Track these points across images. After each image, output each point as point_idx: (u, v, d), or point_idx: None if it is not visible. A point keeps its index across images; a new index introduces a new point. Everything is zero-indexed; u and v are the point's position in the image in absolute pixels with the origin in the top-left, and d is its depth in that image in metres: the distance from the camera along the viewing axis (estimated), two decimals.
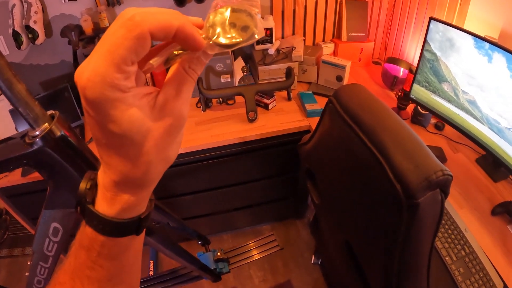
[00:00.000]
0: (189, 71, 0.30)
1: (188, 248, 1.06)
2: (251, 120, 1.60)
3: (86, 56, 1.71)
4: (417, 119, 1.55)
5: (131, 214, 0.33)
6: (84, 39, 1.71)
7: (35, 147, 0.59)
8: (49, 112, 0.63)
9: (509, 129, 1.17)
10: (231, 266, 1.24)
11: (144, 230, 0.37)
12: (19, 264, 2.14)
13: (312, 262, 1.39)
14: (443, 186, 0.50)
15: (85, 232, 0.34)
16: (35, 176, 1.48)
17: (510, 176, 1.37)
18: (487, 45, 1.16)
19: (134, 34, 0.25)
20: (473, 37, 1.20)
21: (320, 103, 1.69)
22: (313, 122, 1.63)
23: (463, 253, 1.08)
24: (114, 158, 0.30)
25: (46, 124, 0.59)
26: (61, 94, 1.74)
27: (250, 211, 2.02)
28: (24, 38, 1.63)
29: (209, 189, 1.74)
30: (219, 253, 1.21)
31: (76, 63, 1.78)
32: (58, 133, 0.60)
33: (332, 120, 0.66)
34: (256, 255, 1.33)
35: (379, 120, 0.56)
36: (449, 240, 1.11)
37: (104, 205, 0.33)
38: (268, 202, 2.00)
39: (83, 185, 0.35)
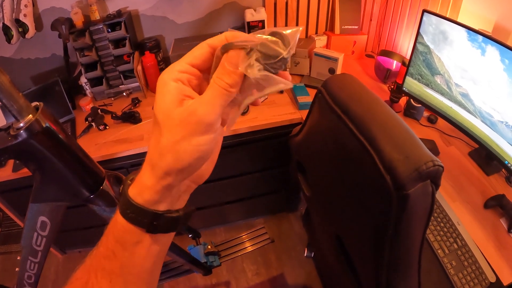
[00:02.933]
0: (216, 80, 0.33)
1: (179, 241, 1.06)
2: (242, 113, 1.59)
3: (76, 49, 1.70)
4: (409, 112, 1.55)
5: (149, 205, 0.35)
6: (74, 32, 1.68)
7: (20, 139, 0.57)
8: (34, 103, 0.61)
9: (502, 122, 1.17)
10: (222, 259, 1.24)
11: (163, 238, 0.38)
12: (12, 260, 2.13)
13: (305, 255, 1.39)
14: (434, 177, 0.49)
15: (113, 217, 0.37)
16: (27, 171, 1.45)
17: (503, 170, 1.38)
18: (480, 38, 1.16)
19: None
20: (467, 29, 1.20)
21: (312, 96, 1.66)
22: (305, 114, 1.62)
23: (455, 246, 1.08)
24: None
25: (30, 115, 0.58)
26: (51, 88, 1.72)
27: (242, 204, 2.01)
28: (14, 32, 1.60)
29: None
30: (209, 246, 1.20)
31: (66, 57, 1.76)
32: (43, 125, 0.59)
33: (321, 110, 0.65)
34: (247, 247, 1.32)
35: (369, 110, 0.55)
36: (441, 233, 1.11)
37: (133, 190, 0.36)
38: (260, 196, 1.99)
39: (128, 176, 0.39)
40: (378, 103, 0.56)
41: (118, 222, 0.36)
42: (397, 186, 0.47)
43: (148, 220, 0.35)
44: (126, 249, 0.36)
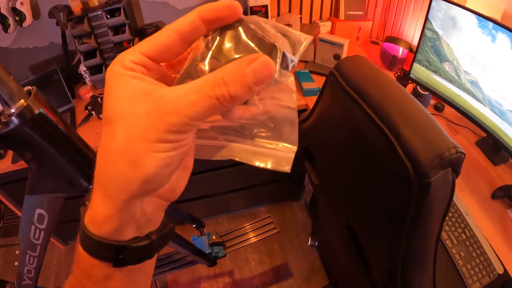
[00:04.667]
0: (216, 79, 0.24)
1: (183, 231, 1.03)
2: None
3: (75, 37, 1.66)
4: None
5: (108, 236, 0.27)
6: (72, 19, 1.64)
7: (12, 126, 0.53)
8: (26, 88, 0.57)
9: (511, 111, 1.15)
10: (227, 250, 1.21)
11: (139, 266, 0.30)
12: (14, 253, 2.12)
13: (309, 244, 1.37)
14: (455, 165, 0.47)
15: (77, 245, 0.30)
16: None
17: (510, 160, 1.36)
18: (491, 24, 1.12)
19: None
20: (477, 16, 1.16)
21: (317, 82, 1.65)
22: (310, 101, 1.60)
23: (463, 236, 1.06)
24: None
25: (22, 100, 0.53)
26: (50, 77, 1.69)
27: (245, 193, 1.99)
28: (11, 21, 1.56)
29: (203, 171, 1.71)
30: (214, 237, 1.17)
31: (65, 45, 1.72)
32: (36, 111, 0.54)
33: (333, 94, 0.62)
34: (252, 238, 1.30)
35: (386, 93, 0.52)
36: (449, 223, 1.09)
37: (88, 217, 0.28)
38: (263, 184, 1.97)
39: (88, 194, 0.31)
40: (396, 87, 0.53)
41: (81, 253, 0.29)
42: (418, 173, 0.45)
43: (111, 254, 0.27)
44: (97, 284, 0.30)
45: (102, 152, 0.26)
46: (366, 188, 0.59)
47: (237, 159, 0.29)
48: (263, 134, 0.28)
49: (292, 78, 0.26)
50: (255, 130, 0.28)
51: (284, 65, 0.25)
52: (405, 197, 0.48)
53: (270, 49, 0.24)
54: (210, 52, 0.25)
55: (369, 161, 0.55)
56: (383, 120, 0.49)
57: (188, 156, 0.29)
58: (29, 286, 0.91)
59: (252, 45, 0.25)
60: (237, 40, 0.25)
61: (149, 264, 0.32)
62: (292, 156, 0.27)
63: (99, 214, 0.27)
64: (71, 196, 0.71)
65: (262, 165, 0.28)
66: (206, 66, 0.25)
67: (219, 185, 1.88)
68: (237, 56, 0.25)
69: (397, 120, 0.48)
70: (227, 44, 0.25)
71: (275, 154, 0.28)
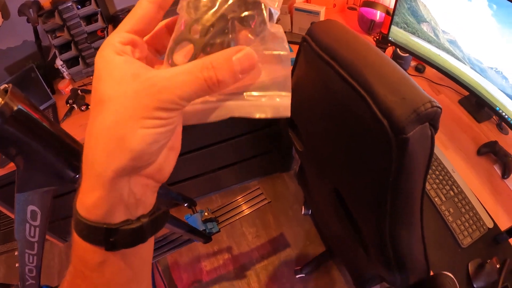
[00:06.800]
0: (205, 64, 0.26)
1: (176, 212, 1.04)
2: None
3: (47, 31, 1.62)
4: (397, 62, 1.49)
5: (98, 218, 0.27)
6: (43, 14, 1.60)
7: None
8: (2, 86, 0.57)
9: (492, 68, 1.15)
10: (221, 225, 1.23)
11: (135, 250, 0.30)
12: (15, 258, 2.11)
13: (303, 213, 1.39)
14: (432, 119, 0.47)
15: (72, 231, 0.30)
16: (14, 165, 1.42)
17: (494, 117, 1.38)
18: None
19: None
20: None
21: (295, 52, 1.64)
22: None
23: (451, 193, 1.09)
24: None
25: (0, 99, 0.53)
26: (27, 76, 1.65)
27: (235, 168, 2.00)
28: None
29: (191, 151, 1.71)
30: (206, 213, 1.19)
31: (38, 41, 1.68)
32: (15, 107, 0.54)
33: (307, 60, 0.62)
34: (244, 210, 1.32)
35: (359, 53, 0.52)
36: (437, 181, 1.11)
37: (79, 200, 0.28)
38: (252, 158, 1.97)
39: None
40: (368, 46, 0.53)
41: (75, 239, 0.29)
42: (395, 129, 0.45)
43: (103, 237, 0.27)
44: (93, 270, 0.30)
45: (90, 133, 0.26)
46: (348, 151, 0.60)
47: (236, 115, 0.29)
48: (258, 87, 0.29)
49: (281, 29, 0.28)
50: (249, 86, 0.29)
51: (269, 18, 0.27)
52: (385, 155, 0.49)
53: (253, 6, 0.26)
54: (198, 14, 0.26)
55: (348, 123, 0.56)
56: (357, 80, 0.49)
57: (175, 136, 0.30)
58: (32, 285, 0.91)
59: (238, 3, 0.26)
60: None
61: (146, 249, 0.32)
62: (288, 102, 0.28)
63: (88, 197, 0.27)
64: (62, 193, 0.71)
65: (263, 115, 0.28)
66: (199, 25, 0.26)
67: (208, 163, 1.88)
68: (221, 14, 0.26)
69: (371, 79, 0.48)
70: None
71: (272, 103, 0.28)
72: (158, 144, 0.26)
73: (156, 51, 0.32)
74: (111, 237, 0.28)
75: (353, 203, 0.69)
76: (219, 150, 1.79)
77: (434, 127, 0.48)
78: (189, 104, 0.26)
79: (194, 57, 0.26)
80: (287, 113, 0.28)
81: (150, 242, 0.32)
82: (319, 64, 0.55)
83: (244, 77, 0.26)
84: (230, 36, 0.26)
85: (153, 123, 0.25)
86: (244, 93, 0.28)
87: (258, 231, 1.90)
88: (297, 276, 1.33)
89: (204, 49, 0.26)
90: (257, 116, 0.28)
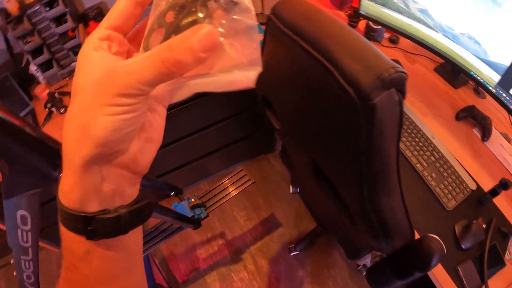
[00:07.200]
0: (163, 46, 0.26)
1: (167, 203, 1.06)
2: None
3: (18, 38, 1.58)
4: (370, 35, 1.52)
5: (76, 206, 0.28)
6: (12, 21, 1.56)
7: None
8: None
9: (464, 34, 1.17)
10: (209, 209, 1.25)
11: (120, 241, 0.31)
12: (13, 267, 2.11)
13: (291, 192, 1.41)
14: (397, 85, 0.48)
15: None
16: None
17: (470, 82, 1.40)
18: None
19: None
20: None
21: None
22: None
23: (432, 158, 1.11)
24: None
25: None
26: (3, 86, 1.63)
27: (219, 154, 2.00)
28: None
29: (174, 141, 1.70)
30: (193, 200, 1.21)
31: (10, 49, 1.64)
32: None
33: (274, 38, 0.62)
34: (230, 193, 1.34)
35: (322, 27, 0.52)
36: (417, 147, 1.13)
37: (60, 189, 0.30)
38: (235, 142, 1.98)
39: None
40: (331, 20, 0.54)
41: (62, 230, 0.30)
42: (361, 97, 0.46)
43: (81, 226, 0.28)
44: (81, 260, 0.31)
45: (64, 123, 0.27)
46: (320, 123, 0.61)
47: (205, 90, 0.30)
48: (226, 63, 0.28)
49: (248, 1, 0.28)
50: (218, 61, 0.29)
51: None
52: (354, 123, 0.50)
53: None
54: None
55: (317, 95, 0.57)
56: (321, 53, 0.50)
57: (154, 129, 0.31)
58: None
59: None
60: None
61: (133, 240, 0.33)
62: (254, 74, 0.28)
63: (64, 183, 0.28)
64: (51, 198, 0.72)
65: (230, 88, 0.29)
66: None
67: (192, 152, 1.88)
68: None
69: (334, 50, 0.49)
70: None
71: (240, 75, 0.29)
72: (122, 132, 0.26)
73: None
74: (89, 226, 0.28)
75: (332, 174, 0.70)
76: (202, 138, 1.79)
77: (401, 92, 0.50)
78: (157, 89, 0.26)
79: (163, 41, 0.26)
80: (251, 84, 0.29)
81: (137, 234, 0.34)
82: (285, 41, 0.56)
83: (209, 55, 0.25)
84: (202, 15, 0.26)
85: (114, 110, 0.25)
86: (212, 70, 0.28)
87: (249, 214, 1.92)
88: (292, 254, 1.36)
89: (175, 32, 0.26)
90: (225, 89, 0.29)
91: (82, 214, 0.28)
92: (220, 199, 1.28)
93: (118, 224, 0.29)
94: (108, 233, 0.29)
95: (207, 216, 1.21)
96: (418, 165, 1.09)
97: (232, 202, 1.91)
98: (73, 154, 0.26)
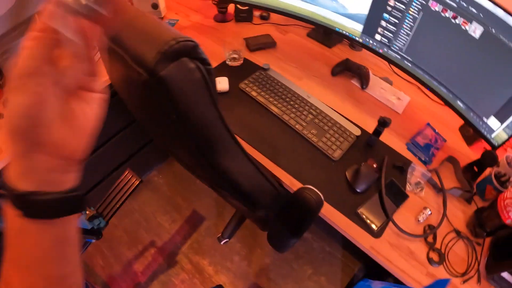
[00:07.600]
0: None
1: None
2: None
3: None
4: (240, 17, 1.56)
5: (12, 181, 0.31)
6: None
7: None
8: None
9: None
10: (107, 217, 1.26)
11: (54, 225, 0.33)
12: None
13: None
14: (188, 53, 0.51)
15: None
16: None
17: (345, 39, 1.49)
18: None
19: None
20: None
21: None
22: None
23: (310, 116, 1.16)
24: None
25: None
26: None
27: (130, 164, 1.87)
28: None
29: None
30: (88, 212, 1.22)
31: None
32: None
33: (108, 55, 0.63)
34: (124, 195, 1.34)
35: (125, 25, 0.54)
36: (293, 110, 1.18)
37: None
38: (141, 149, 1.90)
39: None
40: (132, 15, 0.55)
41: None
42: (150, 74, 0.49)
43: (11, 199, 0.31)
44: (16, 237, 0.33)
45: None
46: (156, 119, 0.63)
47: None
48: None
49: None
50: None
51: None
52: (158, 100, 0.53)
53: None
54: None
55: (132, 86, 0.59)
56: (119, 46, 0.53)
57: (76, 116, 0.33)
58: None
59: None
60: None
61: (61, 231, 0.35)
62: None
63: (10, 162, 0.31)
64: None
65: None
66: None
67: (103, 167, 1.75)
68: None
69: (125, 39, 0.52)
70: None
71: None
72: (30, 118, 0.29)
73: None
74: (17, 201, 0.31)
75: (187, 156, 0.73)
76: (106, 152, 1.70)
77: (198, 58, 0.53)
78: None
79: None
80: None
81: (69, 225, 0.35)
82: (111, 54, 0.57)
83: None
84: None
85: (15, 100, 0.29)
86: None
87: (172, 217, 1.92)
88: (222, 243, 1.38)
89: None
90: None
91: (13, 189, 0.31)
92: (115, 204, 1.27)
93: (44, 208, 0.32)
94: (33, 214, 0.32)
95: (107, 224, 1.22)
96: (297, 126, 1.14)
97: (153, 208, 1.89)
98: (5, 131, 0.30)
